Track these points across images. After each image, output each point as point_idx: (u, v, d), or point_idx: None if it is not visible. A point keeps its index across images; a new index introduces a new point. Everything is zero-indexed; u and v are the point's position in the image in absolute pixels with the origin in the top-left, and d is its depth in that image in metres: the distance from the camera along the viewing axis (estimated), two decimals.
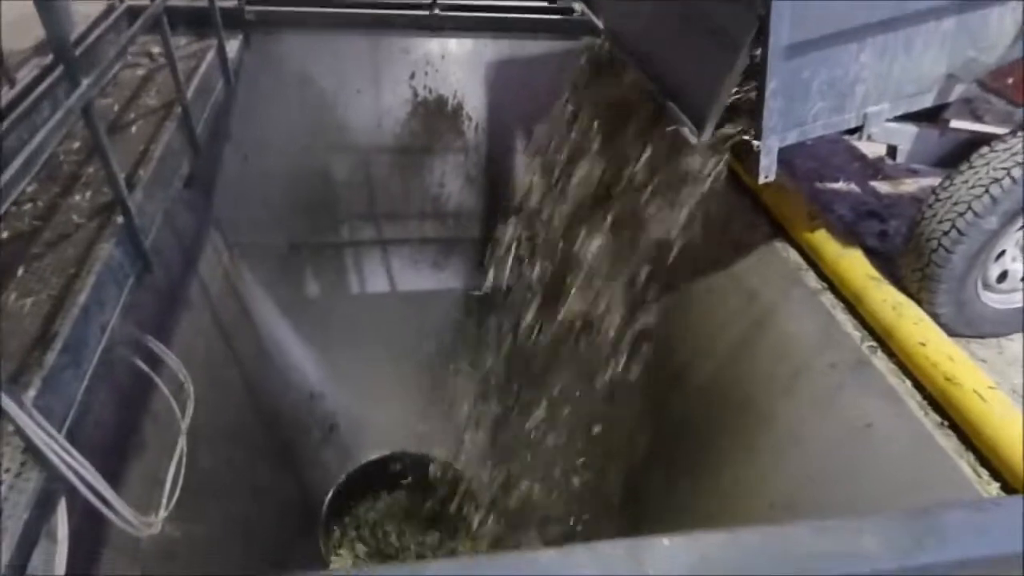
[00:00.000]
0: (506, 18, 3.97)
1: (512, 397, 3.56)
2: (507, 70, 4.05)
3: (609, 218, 2.76)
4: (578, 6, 2.87)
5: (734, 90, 1.94)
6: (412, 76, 3.96)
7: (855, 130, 2.03)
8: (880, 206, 3.04)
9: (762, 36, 1.67)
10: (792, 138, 1.90)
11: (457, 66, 4.02)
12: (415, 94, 3.99)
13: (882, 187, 3.14)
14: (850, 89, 1.86)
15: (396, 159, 4.07)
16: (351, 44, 3.85)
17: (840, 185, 3.20)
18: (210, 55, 3.06)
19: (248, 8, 3.49)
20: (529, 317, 3.17)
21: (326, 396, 4.28)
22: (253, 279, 3.87)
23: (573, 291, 2.88)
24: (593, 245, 2.80)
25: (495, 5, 4.02)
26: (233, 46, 3.34)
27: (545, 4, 4.05)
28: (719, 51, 1.85)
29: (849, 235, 2.69)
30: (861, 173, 3.16)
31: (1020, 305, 2.30)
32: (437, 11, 3.86)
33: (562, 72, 3.47)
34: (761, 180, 1.91)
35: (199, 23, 3.17)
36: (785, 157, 2.03)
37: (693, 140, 1.93)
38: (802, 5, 1.63)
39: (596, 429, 3.29)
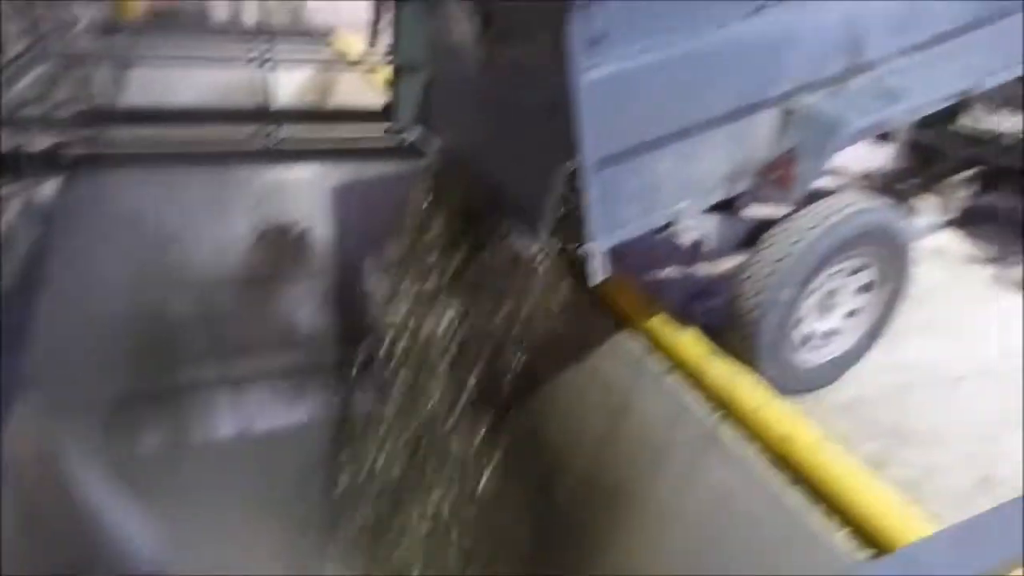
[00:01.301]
0: (346, 145, 4.11)
1: (382, 528, 3.36)
2: (352, 193, 4.15)
3: (462, 328, 2.82)
4: (414, 131, 3.04)
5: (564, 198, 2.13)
6: (255, 206, 3.93)
7: (668, 225, 2.28)
8: (704, 286, 3.38)
9: (576, 153, 1.86)
10: (615, 240, 2.09)
11: (301, 193, 4.05)
12: (258, 224, 3.94)
13: (703, 269, 3.50)
14: (657, 191, 2.11)
15: (241, 291, 3.93)
16: (188, 178, 3.76)
17: (668, 271, 3.54)
18: (19, 200, 2.86)
19: (69, 148, 3.32)
20: (391, 440, 3.09)
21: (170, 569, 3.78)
22: (76, 442, 3.44)
23: (431, 404, 2.87)
24: (448, 356, 2.84)
25: (335, 136, 4.16)
26: (52, 187, 3.14)
27: (384, 128, 4.26)
28: (543, 167, 2.04)
29: (683, 317, 2.96)
30: (683, 258, 3.49)
31: (829, 358, 2.61)
32: (277, 142, 3.91)
33: (408, 190, 3.61)
34: (593, 282, 2.07)
35: (11, 166, 2.97)
36: (617, 252, 2.24)
37: (528, 249, 2.06)
38: (606, 124, 1.86)
39: (472, 543, 3.19)
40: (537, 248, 2.06)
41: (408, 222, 3.30)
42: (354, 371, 3.49)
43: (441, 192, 2.93)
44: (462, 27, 2.28)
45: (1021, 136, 3.81)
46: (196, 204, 3.75)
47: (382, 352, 3.42)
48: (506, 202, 2.30)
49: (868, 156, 4.02)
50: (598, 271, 2.04)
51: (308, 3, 9.42)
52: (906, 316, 3.25)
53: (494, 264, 2.71)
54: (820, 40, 2.09)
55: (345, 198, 4.06)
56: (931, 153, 3.92)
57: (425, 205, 3.16)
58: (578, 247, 2.10)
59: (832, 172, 3.78)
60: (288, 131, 4.05)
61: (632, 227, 2.12)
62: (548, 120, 1.95)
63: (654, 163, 2.03)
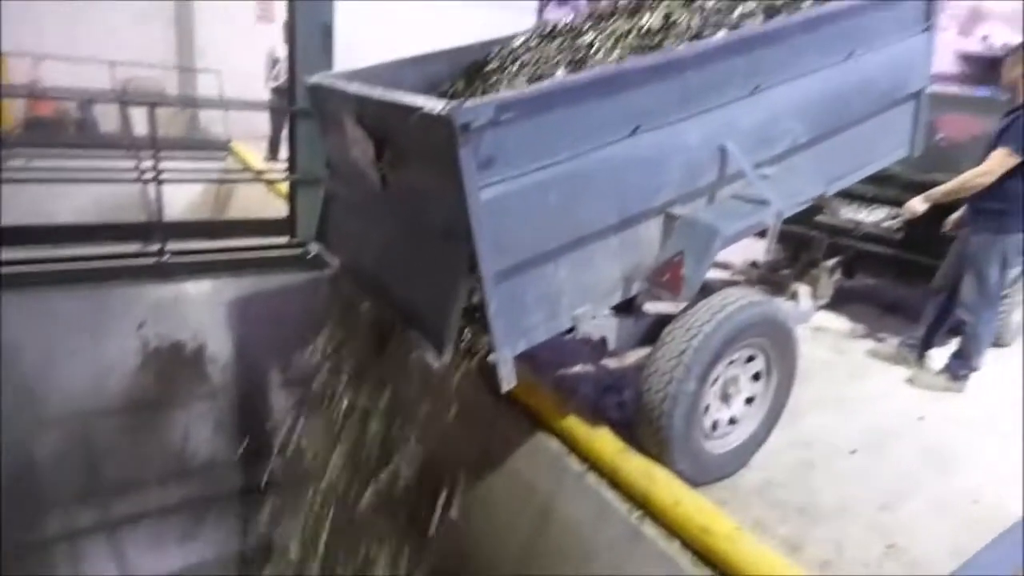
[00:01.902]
0: (244, 257, 4.00)
1: None
2: (251, 306, 4.00)
3: (373, 443, 2.72)
4: (314, 247, 3.02)
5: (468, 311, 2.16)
6: (141, 326, 3.69)
7: (572, 329, 2.34)
8: (614, 380, 3.46)
9: (475, 267, 1.91)
10: (521, 347, 2.13)
11: (194, 309, 3.86)
12: (145, 345, 3.70)
13: (612, 363, 3.60)
14: (557, 298, 2.18)
15: (125, 421, 3.61)
16: (65, 300, 3.50)
17: (579, 368, 3.61)
18: None
19: None
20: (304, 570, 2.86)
21: None
22: None
23: (346, 523, 2.70)
24: (362, 473, 2.72)
25: (231, 246, 4.04)
26: None
27: (284, 240, 4.20)
28: (443, 283, 2.08)
29: (595, 413, 3.00)
30: (591, 356, 3.58)
31: (736, 444, 2.70)
32: (167, 257, 3.75)
33: (310, 302, 3.53)
34: (504, 389, 2.08)
35: None
36: (529, 354, 2.27)
37: (435, 363, 2.06)
38: (502, 240, 1.93)
39: None
40: (443, 362, 2.05)
41: (312, 335, 3.22)
42: (258, 498, 3.24)
43: (344, 306, 2.89)
44: (358, 149, 2.34)
45: (876, 225, 4.29)
46: (74, 327, 3.48)
47: (288, 474, 3.22)
48: (409, 318, 2.30)
49: (750, 249, 4.36)
50: (507, 378, 2.06)
51: (204, 113, 9.38)
52: (799, 394, 3.45)
53: (403, 377, 2.67)
54: (691, 155, 2.31)
55: (243, 312, 3.91)
56: (802, 244, 4.32)
57: (328, 318, 3.10)
58: (486, 356, 2.12)
59: (721, 266, 4.07)
60: (180, 245, 3.90)
61: (537, 333, 2.17)
62: (446, 239, 2.00)
63: (552, 272, 2.11)
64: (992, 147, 3.21)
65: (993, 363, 4.02)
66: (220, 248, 3.99)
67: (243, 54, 9.39)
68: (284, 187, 4.66)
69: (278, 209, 4.62)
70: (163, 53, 9.02)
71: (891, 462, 2.93)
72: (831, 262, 4.14)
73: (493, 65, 2.98)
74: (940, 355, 3.90)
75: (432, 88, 3.10)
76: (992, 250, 3.39)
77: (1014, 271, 3.99)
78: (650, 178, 2.24)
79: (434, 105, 1.77)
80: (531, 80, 2.60)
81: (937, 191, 3.38)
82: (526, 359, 2.63)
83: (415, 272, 2.31)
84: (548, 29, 3.12)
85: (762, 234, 4.21)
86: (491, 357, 2.05)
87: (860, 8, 2.70)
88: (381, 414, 2.85)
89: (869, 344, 4.25)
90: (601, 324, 2.46)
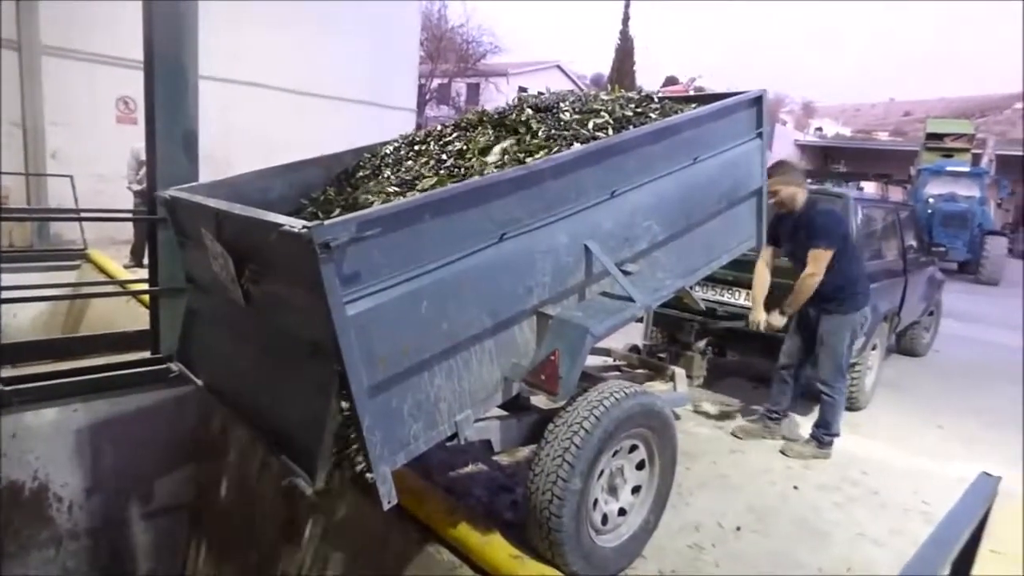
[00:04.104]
0: (97, 378, 3.63)
1: None
2: (107, 432, 3.61)
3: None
4: (175, 366, 2.81)
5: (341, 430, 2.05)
6: None
7: (455, 435, 2.29)
8: (506, 478, 3.40)
9: (345, 385, 1.84)
10: (401, 460, 2.05)
11: (36, 442, 3.43)
12: None
13: (503, 459, 3.54)
14: (435, 407, 2.14)
15: None
16: None
17: (470, 467, 3.51)
18: None
19: None
20: None
21: None
22: None
23: None
24: None
25: (81, 367, 3.68)
26: None
27: (147, 356, 3.88)
28: (312, 403, 1.98)
29: (488, 517, 2.91)
30: (477, 458, 3.51)
31: (629, 534, 2.69)
32: (2, 387, 3.34)
33: (176, 423, 3.24)
34: (385, 507, 1.97)
35: None
36: (419, 458, 2.17)
37: (307, 490, 1.93)
38: (373, 352, 1.88)
39: None
40: (317, 488, 1.93)
41: (181, 460, 2.94)
42: None
43: (212, 427, 2.68)
44: (218, 264, 2.25)
45: (740, 307, 4.62)
46: None
47: None
48: (278, 442, 2.16)
49: (631, 334, 4.55)
50: (387, 496, 1.96)
51: (56, 222, 8.70)
52: (686, 474, 3.56)
53: (283, 501, 2.48)
54: (559, 257, 2.40)
55: (97, 441, 3.51)
56: (677, 327, 4.58)
57: (196, 440, 2.86)
58: (365, 473, 2.02)
59: (603, 352, 4.20)
60: (23, 370, 3.50)
61: (417, 445, 2.10)
62: (313, 356, 1.93)
63: (428, 381, 2.08)
64: (802, 246, 3.69)
65: (852, 427, 4.36)
66: (70, 370, 3.61)
67: (102, 156, 8.94)
68: (145, 300, 4.36)
69: (139, 323, 4.29)
70: (8, 160, 8.37)
71: (772, 537, 3.03)
72: (702, 343, 4.41)
73: (364, 172, 3.01)
74: (800, 423, 4.19)
75: (304, 195, 3.09)
76: (842, 328, 3.81)
77: (860, 342, 4.43)
78: (521, 281, 2.30)
79: (293, 223, 1.74)
80: (400, 186, 2.65)
81: (789, 305, 3.78)
82: (416, 465, 2.53)
83: (283, 392, 2.19)
84: (417, 137, 3.23)
85: (640, 319, 4.45)
86: (368, 476, 1.95)
87: (698, 119, 3.01)
88: (263, 543, 2.61)
89: (744, 418, 4.48)
90: (484, 427, 2.43)
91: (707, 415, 4.55)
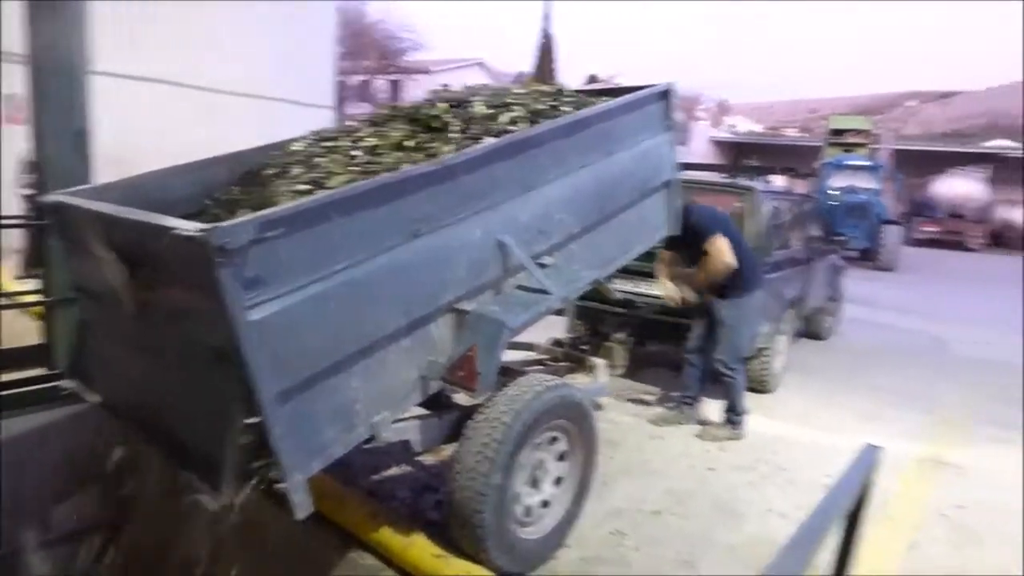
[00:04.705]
0: None
1: None
2: None
3: None
4: (70, 383, 2.62)
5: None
6: None
7: (373, 438, 2.25)
8: (430, 477, 3.37)
9: (252, 393, 1.77)
10: (317, 466, 1.99)
11: None
12: None
13: (428, 459, 3.51)
14: (351, 410, 2.09)
15: None
16: None
17: (394, 469, 3.46)
18: None
19: None
20: None
21: None
22: None
23: None
24: None
25: None
26: None
27: (42, 373, 3.60)
28: (216, 413, 1.90)
29: (411, 518, 2.88)
30: (399, 459, 3.46)
31: (553, 525, 2.73)
32: None
33: (72, 443, 3.02)
34: (301, 516, 1.91)
35: None
36: (340, 462, 2.12)
37: (213, 504, 1.84)
38: (280, 359, 1.81)
39: None
40: (224, 502, 1.85)
41: (80, 482, 2.76)
42: None
43: (111, 446, 2.52)
44: (109, 271, 2.11)
45: (657, 297, 4.75)
46: None
47: None
48: (182, 456, 2.06)
49: (555, 327, 4.60)
50: (302, 505, 1.90)
51: None
52: (609, 462, 3.64)
53: (192, 516, 2.36)
54: (474, 252, 2.40)
55: None
56: (595, 319, 4.67)
57: (95, 460, 2.69)
58: (277, 483, 1.95)
59: (526, 347, 4.23)
60: None
61: (333, 449, 2.05)
62: (216, 364, 1.85)
63: (343, 383, 2.03)
64: (696, 246, 3.89)
65: (763, 409, 4.58)
66: None
67: None
68: (38, 311, 4.06)
69: (32, 337, 3.99)
70: None
71: (690, 519, 3.15)
72: (622, 334, 4.51)
73: (272, 170, 2.91)
74: (714, 407, 4.37)
75: (207, 195, 2.95)
76: (739, 312, 4.02)
77: (765, 327, 4.65)
78: (436, 277, 2.28)
79: (186, 227, 1.66)
80: (310, 184, 2.57)
81: (700, 282, 4.00)
82: (336, 470, 2.48)
83: (185, 404, 2.09)
84: (328, 133, 3.14)
85: (559, 312, 4.51)
86: (280, 485, 1.88)
87: (610, 112, 3.07)
88: (172, 564, 2.48)
89: (663, 405, 4.63)
90: (402, 428, 2.40)
91: (629, 404, 4.67)
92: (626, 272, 4.64)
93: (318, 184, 2.54)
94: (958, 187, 23.27)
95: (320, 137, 3.09)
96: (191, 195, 2.93)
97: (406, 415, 2.45)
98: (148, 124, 9.86)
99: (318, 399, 1.95)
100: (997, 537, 3.20)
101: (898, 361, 6.65)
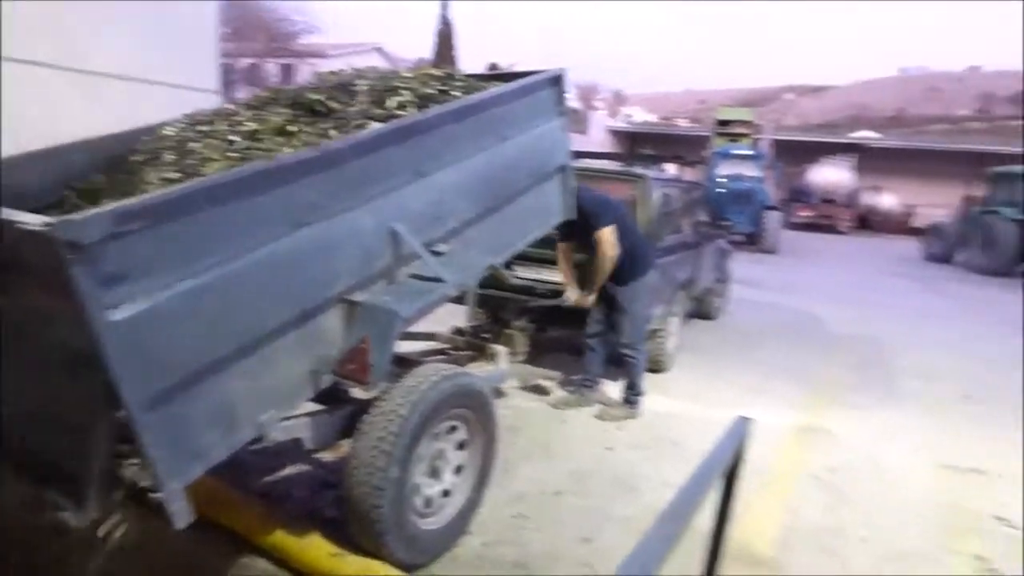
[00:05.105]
0: None
1: None
2: None
3: None
4: None
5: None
6: None
7: (260, 438, 2.14)
8: (328, 474, 3.26)
9: (117, 400, 1.63)
10: (197, 471, 1.87)
11: None
12: None
13: (327, 455, 3.40)
14: (233, 410, 1.98)
15: None
16: None
17: (290, 469, 3.33)
18: None
19: None
20: None
21: None
22: None
23: None
24: None
25: None
26: None
27: None
28: (78, 423, 1.73)
29: (308, 518, 2.78)
30: (294, 457, 3.33)
31: (454, 514, 2.72)
32: None
33: None
34: (180, 525, 1.79)
35: None
36: (231, 463, 2.00)
37: (76, 522, 1.69)
38: (148, 362, 1.67)
39: None
40: (88, 519, 1.70)
41: None
42: None
43: None
44: None
45: (556, 283, 4.83)
46: None
47: None
48: (41, 472, 1.87)
49: (457, 316, 4.57)
50: (180, 515, 1.78)
51: None
52: (511, 447, 3.68)
53: (60, 539, 2.16)
54: (365, 241, 2.33)
55: None
56: (496, 306, 4.68)
57: None
58: (152, 492, 1.82)
59: (427, 336, 4.18)
60: None
61: (215, 453, 1.93)
62: (76, 371, 1.68)
63: (223, 383, 1.91)
64: (588, 234, 4.00)
65: (659, 388, 4.79)
66: None
67: None
68: None
69: None
70: None
71: (589, 497, 3.24)
72: (523, 321, 4.56)
73: (141, 156, 2.69)
74: (612, 388, 4.53)
75: (65, 183, 2.69)
76: (635, 294, 4.17)
77: (660, 308, 4.85)
78: (324, 269, 2.19)
79: (33, 220, 1.49)
80: (183, 172, 2.40)
81: (595, 283, 4.14)
82: (224, 473, 2.34)
83: (44, 413, 1.89)
84: (202, 116, 2.94)
85: (457, 300, 4.49)
86: (157, 495, 1.75)
87: (502, 97, 3.06)
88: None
89: (564, 389, 4.73)
90: (292, 426, 2.30)
91: (531, 389, 4.73)
92: (526, 259, 4.69)
93: (191, 172, 2.38)
94: (829, 175, 25.23)
95: (194, 121, 2.89)
96: (49, 184, 2.66)
97: (297, 412, 2.35)
98: (28, 110, 8.87)
99: (194, 402, 1.83)
100: (863, 495, 3.51)
101: (780, 338, 7.14)
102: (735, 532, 2.98)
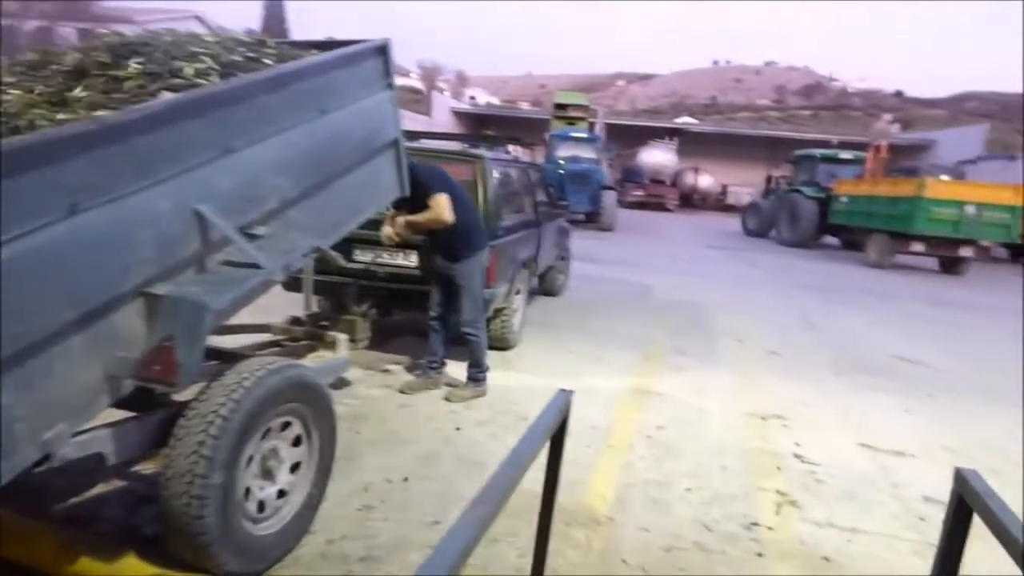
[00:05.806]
0: None
1: None
2: None
3: None
4: None
5: None
6: None
7: (47, 457, 1.85)
8: (148, 487, 2.93)
9: None
10: None
11: None
12: None
13: (146, 467, 3.06)
14: (10, 429, 1.68)
15: None
16: None
17: (102, 487, 2.96)
18: None
19: None
20: None
21: None
22: None
23: None
24: None
25: None
26: None
27: None
28: None
29: (122, 539, 2.48)
30: (118, 467, 2.98)
31: (293, 514, 2.55)
32: None
33: None
34: None
35: None
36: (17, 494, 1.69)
37: None
38: None
39: None
40: None
41: None
42: None
43: None
44: None
45: (398, 266, 4.71)
46: None
47: None
48: None
49: (295, 306, 4.30)
50: None
51: None
52: (357, 437, 3.55)
53: None
54: (164, 227, 2.05)
55: None
56: (335, 293, 4.47)
57: None
58: None
59: (261, 328, 3.88)
60: None
61: None
62: None
63: None
64: (422, 195, 3.89)
65: (505, 365, 4.87)
66: None
67: None
68: None
69: None
70: None
71: (437, 480, 3.21)
72: (364, 306, 4.40)
73: None
74: (459, 368, 4.53)
75: None
76: (471, 271, 4.21)
77: (504, 287, 4.91)
78: (112, 259, 1.91)
79: None
80: None
81: (414, 220, 4.00)
82: (12, 499, 2.00)
83: None
84: None
85: (293, 288, 4.23)
86: None
87: (319, 67, 2.85)
88: None
89: (411, 373, 4.65)
90: (88, 440, 2.01)
91: (376, 375, 4.60)
92: (365, 242, 4.52)
93: None
94: (656, 157, 27.24)
95: None
96: None
97: (94, 424, 2.06)
98: None
99: None
100: (686, 449, 3.82)
101: (617, 309, 7.59)
102: (579, 496, 3.13)
